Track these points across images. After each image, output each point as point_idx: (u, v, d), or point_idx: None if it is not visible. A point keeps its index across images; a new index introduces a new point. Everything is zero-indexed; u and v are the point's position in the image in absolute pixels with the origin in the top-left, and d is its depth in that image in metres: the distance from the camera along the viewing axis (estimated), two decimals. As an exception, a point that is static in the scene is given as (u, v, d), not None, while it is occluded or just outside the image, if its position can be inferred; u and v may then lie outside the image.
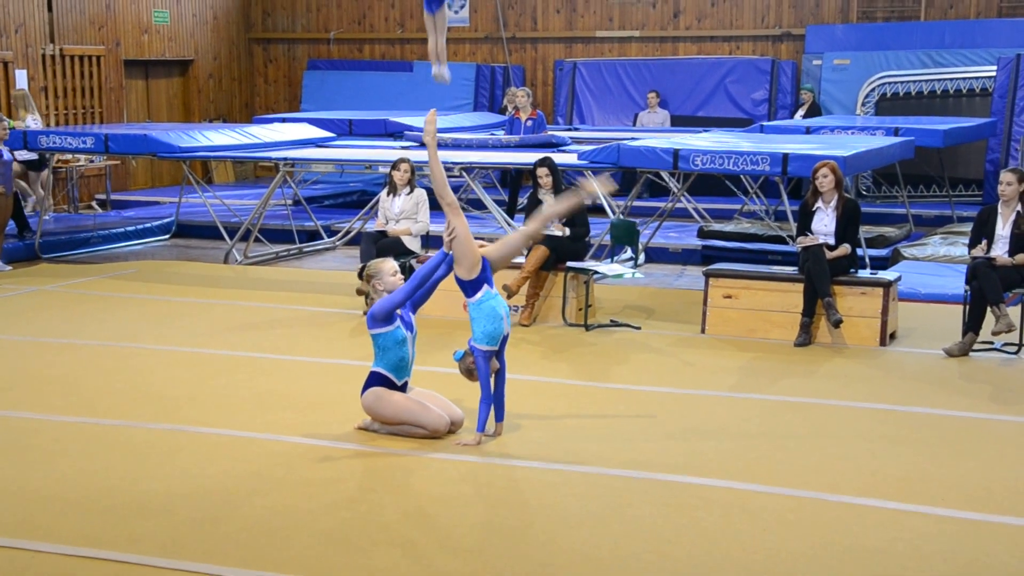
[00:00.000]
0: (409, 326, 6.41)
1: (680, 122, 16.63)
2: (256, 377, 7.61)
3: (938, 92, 15.47)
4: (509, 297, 9.05)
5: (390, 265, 6.50)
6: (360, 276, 6.66)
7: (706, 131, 14.07)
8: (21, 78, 15.11)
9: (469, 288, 6.25)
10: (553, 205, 7.57)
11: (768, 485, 5.65)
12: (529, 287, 9.18)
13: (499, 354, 6.25)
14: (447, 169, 11.65)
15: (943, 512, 5.35)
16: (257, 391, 7.26)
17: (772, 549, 4.93)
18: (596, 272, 9.25)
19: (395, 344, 6.32)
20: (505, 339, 6.23)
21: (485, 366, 6.14)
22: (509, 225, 11.19)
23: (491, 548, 4.93)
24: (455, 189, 15.15)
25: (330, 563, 4.76)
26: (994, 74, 14.91)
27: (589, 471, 5.84)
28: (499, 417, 6.32)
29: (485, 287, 6.21)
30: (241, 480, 5.68)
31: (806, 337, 8.54)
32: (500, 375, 6.28)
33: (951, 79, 15.45)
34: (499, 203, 12.80)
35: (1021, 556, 4.90)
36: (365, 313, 9.42)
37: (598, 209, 12.82)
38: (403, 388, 6.41)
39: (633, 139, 11.66)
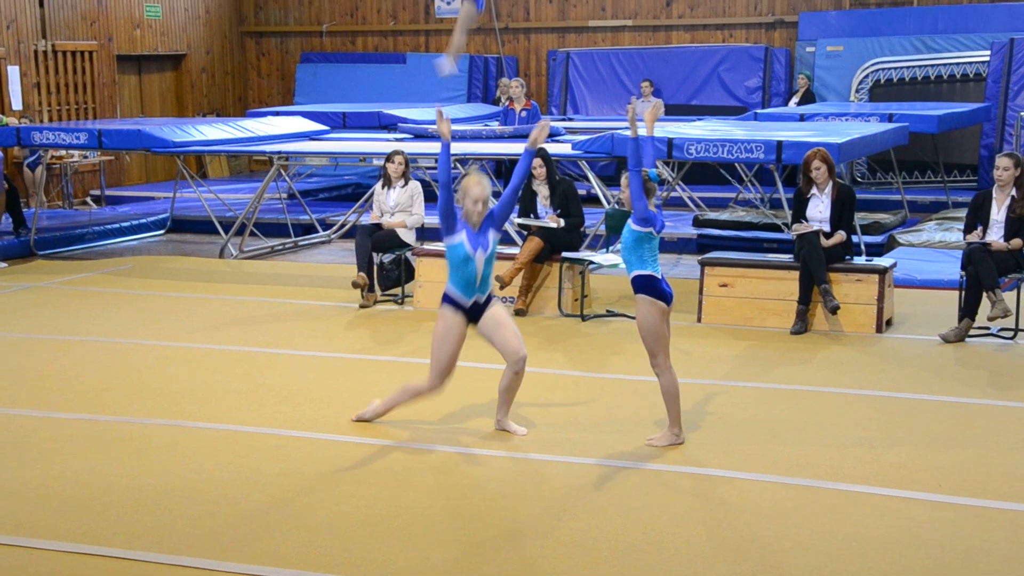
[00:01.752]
0: (480, 245, 6.08)
1: (674, 111, 16.61)
2: (252, 371, 7.60)
3: (932, 78, 15.46)
4: (501, 288, 9.04)
5: (477, 192, 6.06)
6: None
7: (700, 119, 14.06)
8: (14, 74, 15.08)
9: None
10: None
11: (765, 474, 5.66)
12: (522, 278, 9.18)
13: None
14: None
15: (941, 499, 5.36)
16: (253, 385, 7.26)
17: (770, 537, 4.94)
18: (591, 262, 9.25)
19: (459, 261, 6.08)
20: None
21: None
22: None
23: (489, 540, 4.93)
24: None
25: (327, 557, 4.76)
26: (988, 59, 14.90)
27: (586, 462, 5.84)
28: None
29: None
30: (238, 475, 5.68)
31: (802, 325, 8.54)
32: None
33: (945, 64, 15.45)
34: (494, 194, 12.78)
35: (1019, 541, 4.91)
36: (360, 307, 9.48)
37: (593, 199, 12.81)
38: (475, 308, 6.13)
39: (627, 128, 11.63)
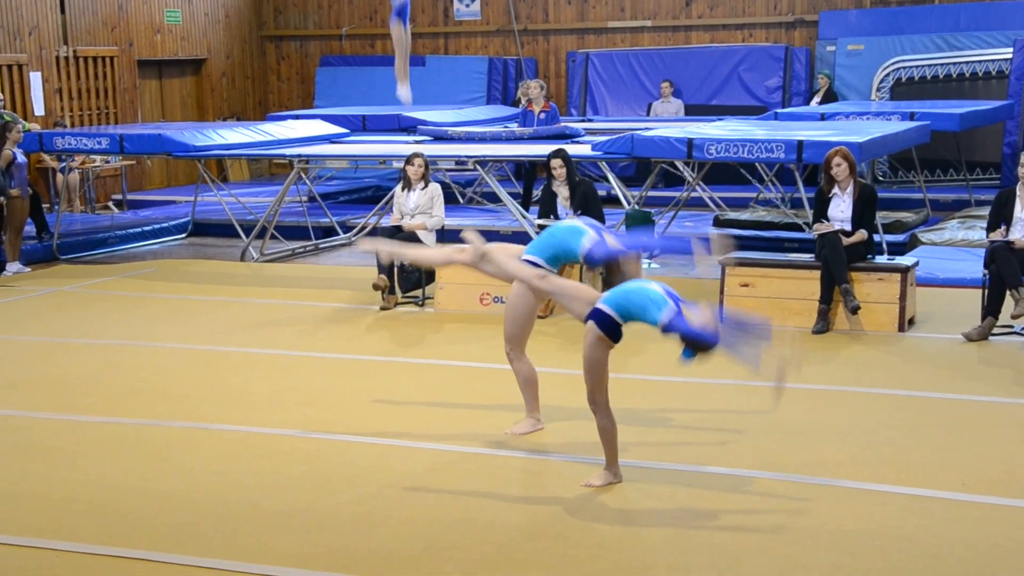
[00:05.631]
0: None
1: (694, 111, 16.58)
2: (274, 374, 7.63)
3: (954, 75, 15.37)
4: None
5: None
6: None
7: (720, 119, 14.02)
8: (36, 80, 15.17)
9: (615, 330, 5.36)
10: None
11: (788, 473, 5.64)
12: (545, 279, 9.16)
13: (688, 306, 5.15)
14: (461, 163, 11.70)
15: (965, 497, 5.33)
16: (275, 388, 7.29)
17: (792, 537, 4.92)
18: (612, 263, 9.22)
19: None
20: (672, 293, 5.25)
21: (683, 322, 5.08)
22: (524, 218, 11.18)
23: (511, 541, 4.94)
24: (469, 183, 15.14)
25: (350, 558, 4.78)
26: (1010, 56, 14.82)
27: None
28: (759, 332, 5.09)
29: (600, 307, 5.30)
30: (260, 477, 5.70)
31: (824, 324, 8.51)
32: (720, 313, 5.16)
33: (967, 62, 15.35)
34: (514, 196, 12.79)
35: (1044, 540, 4.88)
36: (381, 309, 9.50)
37: (612, 200, 12.80)
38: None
39: (647, 129, 11.65)
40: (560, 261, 6.02)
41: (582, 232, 5.83)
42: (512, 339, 6.21)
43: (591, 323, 5.37)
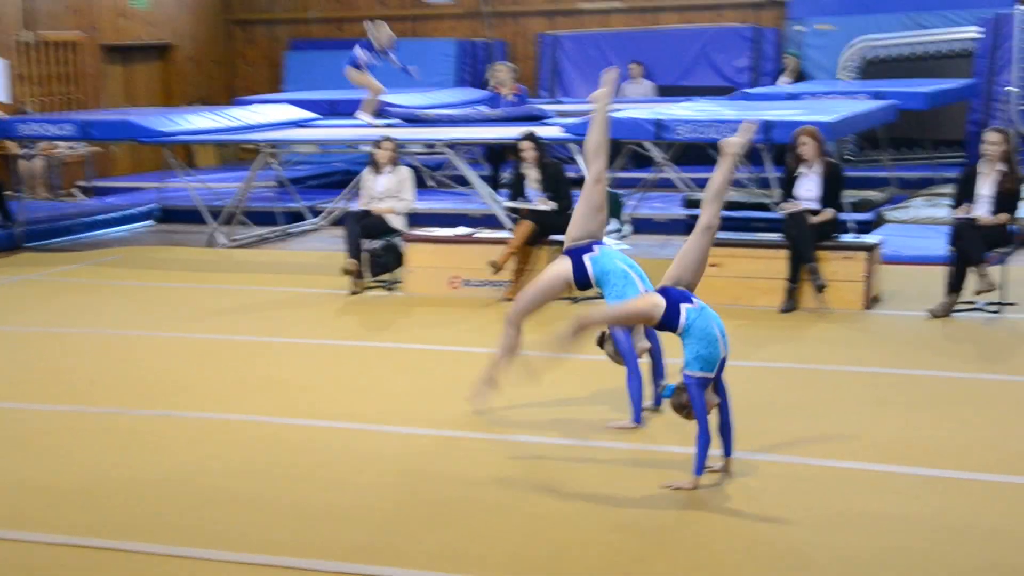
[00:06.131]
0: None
1: (664, 92, 16.57)
2: (244, 360, 7.60)
3: (920, 55, 15.44)
4: (495, 272, 9.06)
5: None
6: None
7: (689, 100, 14.02)
8: (1, 67, 15.00)
9: (666, 325, 5.40)
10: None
11: (756, 452, 5.67)
12: (516, 262, 9.19)
13: (717, 383, 5.35)
14: (429, 146, 11.67)
15: (932, 472, 5.38)
16: (244, 374, 7.26)
17: (759, 515, 4.95)
18: (581, 245, 9.22)
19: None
20: (723, 363, 5.34)
21: (700, 398, 5.22)
22: (494, 201, 11.17)
23: (483, 525, 4.94)
24: (437, 167, 15.10)
25: (320, 543, 4.77)
26: (976, 36, 14.90)
27: (584, 444, 5.84)
28: (727, 451, 5.42)
29: (684, 308, 5.33)
30: (231, 464, 5.68)
31: (791, 303, 8.56)
32: (724, 406, 5.37)
33: (932, 41, 15.42)
34: (485, 179, 12.77)
35: (1009, 514, 4.93)
36: (351, 293, 9.47)
37: (582, 181, 12.77)
38: None
39: (616, 110, 11.63)
40: (599, 284, 6.23)
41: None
42: (522, 306, 6.25)
43: (658, 298, 5.39)
